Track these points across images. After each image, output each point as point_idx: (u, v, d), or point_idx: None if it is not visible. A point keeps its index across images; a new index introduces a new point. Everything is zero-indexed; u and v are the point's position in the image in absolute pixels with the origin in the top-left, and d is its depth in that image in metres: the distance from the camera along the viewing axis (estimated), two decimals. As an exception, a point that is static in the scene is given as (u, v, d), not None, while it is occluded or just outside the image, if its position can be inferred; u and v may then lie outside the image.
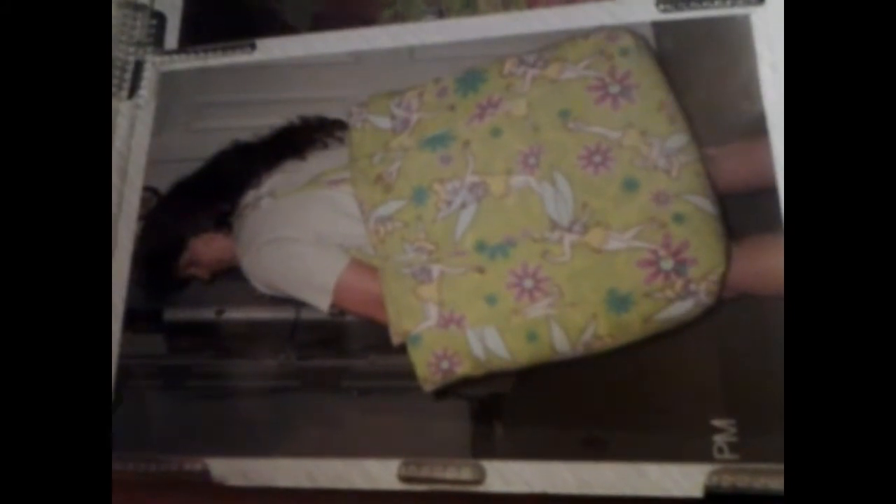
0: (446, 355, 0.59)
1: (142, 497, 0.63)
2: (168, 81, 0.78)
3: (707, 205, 0.59)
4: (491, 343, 0.59)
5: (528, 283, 0.59)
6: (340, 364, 0.67)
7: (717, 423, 0.56)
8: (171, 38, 0.79)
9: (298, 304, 0.67)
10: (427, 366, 0.60)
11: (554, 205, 0.60)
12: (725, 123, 0.65)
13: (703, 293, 0.57)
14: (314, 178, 0.69)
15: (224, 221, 0.71)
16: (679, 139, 0.61)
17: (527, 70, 0.65)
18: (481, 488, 0.58)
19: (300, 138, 0.72)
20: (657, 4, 0.67)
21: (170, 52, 0.79)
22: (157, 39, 0.79)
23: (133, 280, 0.69)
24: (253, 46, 0.76)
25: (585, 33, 0.66)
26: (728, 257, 0.58)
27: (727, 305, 0.59)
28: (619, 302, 0.57)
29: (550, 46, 0.66)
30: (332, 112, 0.72)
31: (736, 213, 0.60)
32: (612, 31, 0.65)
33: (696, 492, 0.54)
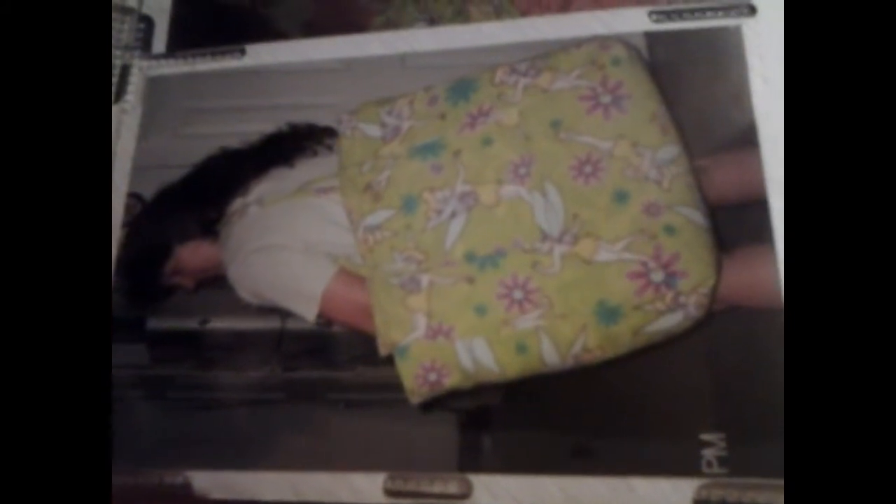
0: (434, 367, 0.59)
1: (122, 510, 0.62)
2: (155, 86, 0.77)
3: (698, 217, 0.58)
4: (480, 355, 0.58)
5: (518, 294, 0.58)
6: (327, 375, 0.66)
7: (706, 436, 0.56)
8: (159, 43, 0.78)
9: (285, 313, 0.66)
10: (414, 378, 0.59)
11: (544, 215, 0.60)
12: (717, 134, 0.64)
13: (694, 306, 0.57)
14: (303, 186, 0.68)
15: (210, 229, 0.69)
16: (670, 150, 0.60)
17: (518, 79, 0.65)
18: (468, 503, 0.57)
19: (289, 145, 0.72)
20: (650, 15, 0.67)
21: (157, 57, 0.78)
22: (144, 44, 0.78)
23: (116, 288, 0.68)
24: (242, 52, 0.76)
25: (578, 43, 0.66)
26: (719, 270, 0.57)
27: (717, 318, 0.59)
28: (608, 314, 0.57)
29: (542, 55, 0.66)
30: (322, 119, 0.72)
31: (727, 225, 0.60)
32: (604, 41, 0.65)
33: (685, 506, 0.54)
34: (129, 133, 0.75)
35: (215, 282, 0.69)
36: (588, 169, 0.60)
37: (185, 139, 0.76)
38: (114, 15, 0.77)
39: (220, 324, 0.70)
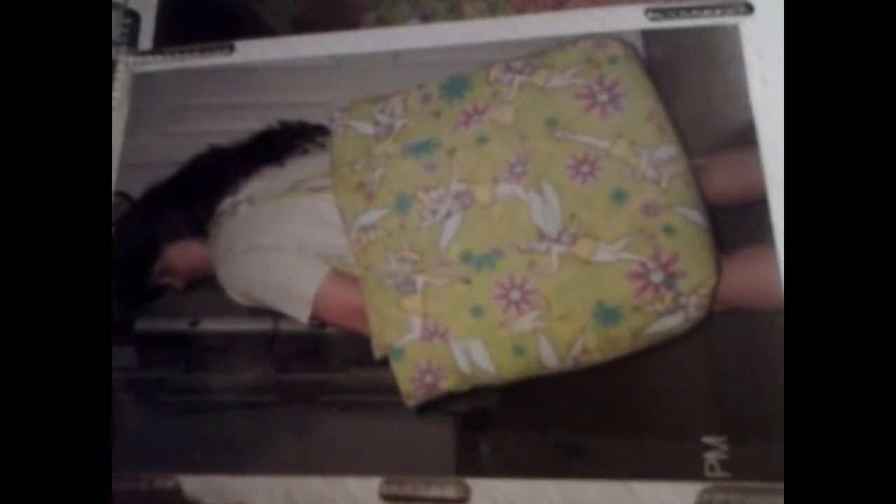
0: (430, 369, 0.58)
1: (111, 516, 0.61)
2: (142, 83, 0.76)
3: (697, 217, 0.58)
4: (476, 357, 0.57)
5: (515, 295, 0.58)
6: (320, 378, 0.65)
7: (708, 440, 0.55)
8: (146, 39, 0.77)
9: (277, 315, 0.65)
10: (410, 380, 0.58)
11: (541, 215, 0.59)
12: (715, 133, 0.64)
13: (694, 307, 0.56)
14: (294, 185, 0.67)
15: (200, 228, 0.68)
16: (668, 149, 0.60)
17: (514, 77, 0.64)
18: (466, 507, 0.56)
19: (280, 143, 0.70)
20: (646, 13, 0.67)
21: (144, 53, 0.76)
22: (130, 39, 0.77)
23: (104, 289, 0.66)
24: (231, 48, 0.74)
25: (573, 40, 0.65)
26: (719, 270, 0.57)
27: (718, 320, 0.58)
28: (607, 315, 0.56)
29: (538, 53, 0.65)
30: (314, 117, 0.71)
31: (726, 225, 0.60)
32: (600, 39, 0.64)
33: (687, 510, 0.53)
34: (116, 131, 0.73)
35: (205, 282, 0.67)
36: (585, 168, 0.60)
37: (173, 137, 0.74)
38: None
39: (210, 325, 0.68)
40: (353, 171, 0.65)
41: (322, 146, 0.69)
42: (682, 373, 0.59)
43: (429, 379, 0.58)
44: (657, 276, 0.56)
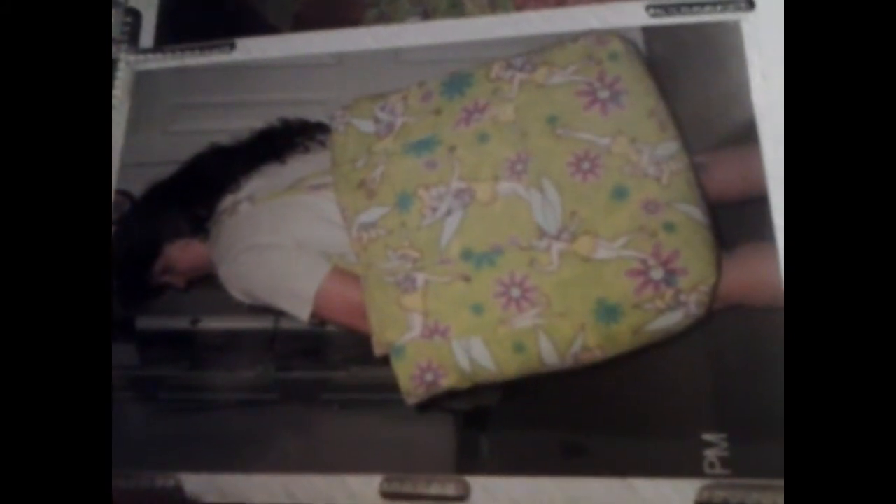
0: (431, 367, 0.58)
1: (112, 514, 0.61)
2: (143, 81, 0.76)
3: (698, 214, 0.58)
4: (477, 354, 0.57)
5: (516, 293, 0.57)
6: (321, 376, 0.65)
7: (707, 437, 0.55)
8: (147, 37, 0.77)
9: (277, 313, 0.65)
10: (411, 378, 0.58)
11: (542, 212, 0.59)
12: (716, 131, 0.64)
13: (694, 304, 0.56)
14: (295, 183, 0.67)
15: (201, 227, 0.68)
16: (669, 146, 0.60)
17: (514, 74, 0.64)
18: (466, 505, 0.56)
19: (280, 141, 0.70)
20: (647, 9, 0.66)
21: (145, 51, 0.76)
22: (131, 37, 0.77)
23: (105, 287, 0.66)
24: (232, 46, 0.74)
25: (574, 37, 0.65)
26: (719, 267, 0.57)
27: (718, 317, 0.58)
28: (608, 312, 0.56)
29: (538, 50, 0.65)
30: (314, 115, 0.71)
31: (727, 222, 0.59)
32: (601, 36, 0.64)
33: (687, 507, 0.53)
34: (117, 129, 0.73)
35: (206, 281, 0.67)
36: (586, 165, 0.59)
37: (174, 135, 0.74)
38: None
39: (211, 323, 0.68)
40: (354, 168, 0.64)
41: (323, 144, 0.69)
42: (682, 370, 0.59)
43: (429, 377, 0.58)
44: (657, 274, 0.56)
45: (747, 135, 0.62)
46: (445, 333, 0.58)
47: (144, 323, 0.69)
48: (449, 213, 0.61)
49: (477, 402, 0.61)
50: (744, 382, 0.57)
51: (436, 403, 0.60)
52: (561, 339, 0.57)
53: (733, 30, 0.65)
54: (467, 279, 0.58)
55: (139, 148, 0.73)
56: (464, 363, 0.57)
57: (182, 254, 0.69)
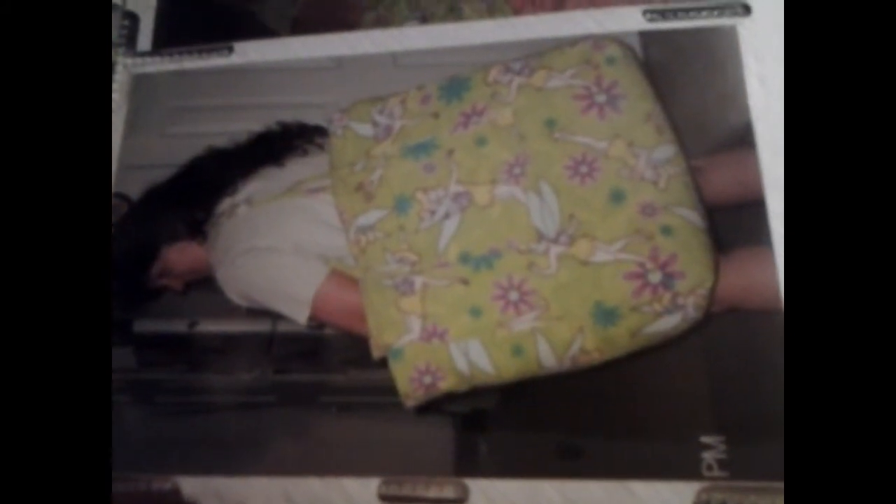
0: (429, 370, 0.58)
1: (109, 518, 0.61)
2: (141, 84, 0.76)
3: (695, 217, 0.58)
4: (475, 357, 0.57)
5: (514, 296, 0.58)
6: (318, 379, 0.65)
7: (705, 439, 0.55)
8: (145, 40, 0.77)
9: (275, 316, 0.64)
10: (409, 381, 0.58)
11: (540, 215, 0.59)
12: (712, 135, 0.64)
13: (692, 307, 0.56)
14: (293, 186, 0.67)
15: (198, 230, 0.68)
16: (666, 150, 0.60)
17: (512, 78, 0.64)
18: (464, 507, 0.56)
19: (278, 144, 0.70)
20: (644, 14, 0.67)
21: (143, 54, 0.76)
22: (129, 40, 0.76)
23: (102, 290, 0.66)
24: (230, 49, 0.74)
25: (572, 41, 0.65)
26: (716, 271, 0.57)
27: (715, 320, 0.58)
28: (605, 315, 0.56)
29: (536, 54, 0.65)
30: (312, 118, 0.71)
31: (724, 226, 0.60)
32: (598, 40, 0.65)
33: (685, 510, 0.53)
34: (115, 132, 0.73)
35: (204, 283, 0.67)
36: (584, 169, 0.60)
37: (171, 138, 0.74)
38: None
39: (209, 326, 0.68)
40: (351, 172, 0.65)
41: (321, 147, 0.69)
42: (680, 373, 0.59)
43: (427, 379, 0.58)
44: (655, 277, 0.56)
45: (744, 139, 0.62)
46: (444, 336, 0.58)
47: (142, 326, 0.69)
48: (447, 216, 0.61)
49: (475, 405, 0.61)
50: (741, 385, 0.57)
51: (434, 406, 0.60)
52: (559, 342, 0.57)
53: (730, 35, 0.65)
54: (465, 282, 0.59)
55: (137, 151, 0.73)
56: (462, 366, 0.58)
57: (180, 257, 0.69)
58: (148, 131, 0.74)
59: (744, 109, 0.63)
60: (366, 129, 0.66)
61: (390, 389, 0.58)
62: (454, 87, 0.65)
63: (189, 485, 0.60)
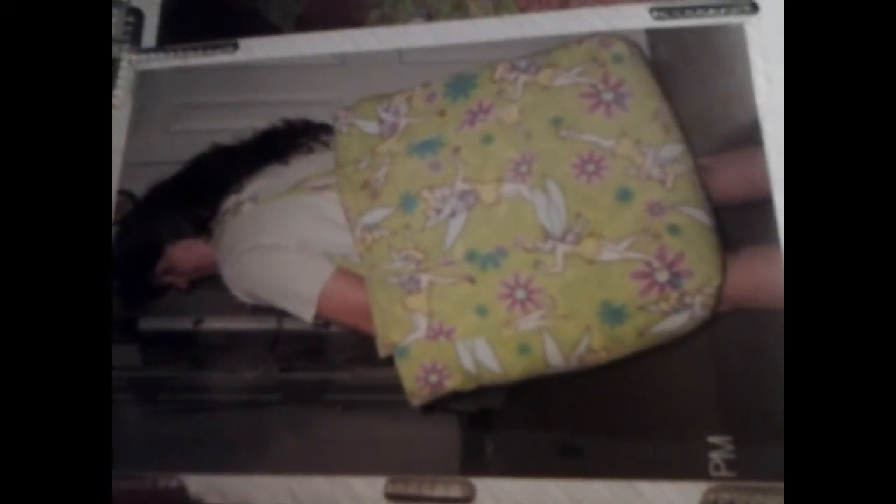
0: (435, 368, 0.58)
1: (114, 516, 0.61)
2: (145, 81, 0.75)
3: (702, 216, 0.58)
4: (482, 356, 0.57)
5: (521, 294, 0.57)
6: (324, 377, 0.65)
7: (713, 439, 0.55)
8: (150, 36, 0.77)
9: (281, 314, 0.64)
10: (415, 379, 0.58)
11: (546, 214, 0.59)
12: (720, 133, 0.64)
13: (699, 306, 0.56)
14: (298, 184, 0.67)
15: (203, 227, 0.68)
16: (673, 149, 0.60)
17: (519, 76, 0.64)
18: (471, 506, 0.56)
19: (284, 142, 0.70)
20: (651, 12, 0.66)
21: (147, 51, 0.76)
22: (133, 37, 0.76)
23: (107, 288, 0.66)
24: (235, 46, 0.74)
25: (578, 39, 0.65)
26: (724, 270, 0.57)
27: (723, 319, 0.58)
28: (613, 314, 0.56)
29: (543, 52, 0.65)
30: (317, 115, 0.71)
31: (731, 225, 0.59)
32: (605, 38, 0.64)
33: (692, 510, 0.53)
34: (119, 129, 0.73)
35: (209, 281, 0.67)
36: (590, 167, 0.60)
37: (176, 135, 0.74)
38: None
39: (214, 324, 0.68)
40: (357, 169, 0.64)
41: (326, 145, 0.69)
42: (687, 372, 0.59)
43: (434, 378, 0.58)
44: (662, 276, 0.56)
45: (751, 137, 0.62)
46: (450, 335, 0.58)
47: (147, 324, 0.69)
48: (453, 214, 0.60)
49: (482, 404, 0.60)
50: (749, 385, 0.57)
51: (440, 405, 0.60)
52: (566, 340, 0.57)
53: (737, 33, 0.65)
54: (472, 280, 0.58)
55: (141, 148, 0.73)
56: (468, 364, 0.57)
57: (185, 254, 0.69)
58: (152, 128, 0.74)
59: (751, 108, 0.63)
60: (371, 127, 0.66)
61: (396, 388, 0.58)
62: (460, 85, 0.65)
63: (194, 483, 0.60)
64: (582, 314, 0.56)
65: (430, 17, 0.76)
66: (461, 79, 0.65)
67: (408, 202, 0.62)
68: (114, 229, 0.69)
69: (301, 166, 0.69)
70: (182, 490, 0.59)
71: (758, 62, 0.63)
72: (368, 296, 0.60)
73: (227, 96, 0.74)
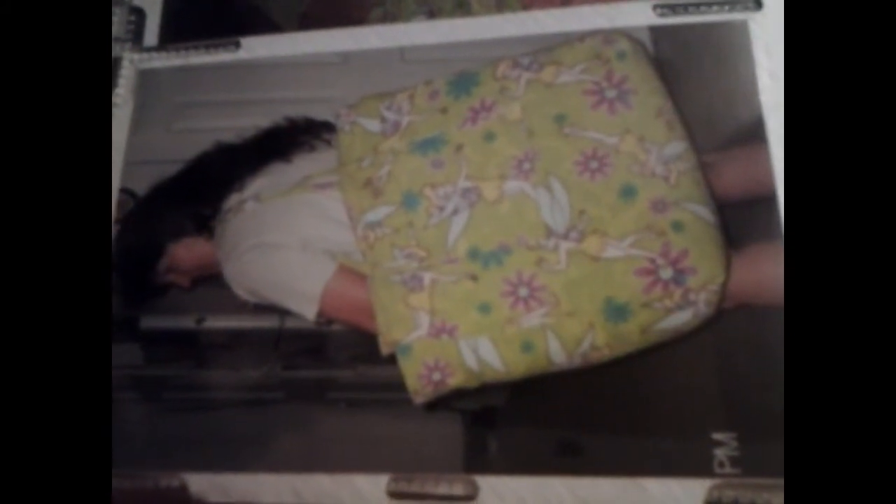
0: (438, 366, 0.57)
1: (116, 515, 0.61)
2: (147, 79, 0.75)
3: (706, 213, 0.58)
4: (484, 353, 0.57)
5: (523, 292, 0.57)
6: (327, 375, 0.65)
7: (717, 436, 0.55)
8: (151, 35, 0.77)
9: (283, 312, 0.64)
10: (418, 377, 0.58)
11: (550, 211, 0.59)
12: (724, 130, 0.64)
13: (703, 303, 0.56)
14: (300, 182, 0.66)
15: (205, 226, 0.68)
16: (677, 146, 0.60)
17: (521, 73, 0.64)
18: (474, 504, 0.56)
19: (286, 140, 0.70)
20: (654, 9, 0.66)
21: (149, 50, 0.76)
22: (135, 36, 0.76)
23: (109, 286, 0.66)
24: (237, 45, 0.74)
25: (581, 36, 0.65)
26: (728, 267, 0.57)
27: (727, 316, 0.58)
28: (616, 311, 0.56)
29: (545, 49, 0.65)
30: (320, 113, 0.70)
31: (735, 222, 0.59)
32: (608, 35, 0.64)
33: (697, 507, 0.53)
34: (121, 127, 0.73)
35: (211, 280, 0.67)
36: (594, 164, 0.59)
37: (178, 134, 0.74)
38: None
39: (216, 322, 0.68)
40: (359, 167, 0.64)
41: (329, 143, 0.69)
42: (691, 369, 0.59)
43: (436, 376, 0.58)
44: (666, 273, 0.56)
45: (755, 134, 0.62)
46: (453, 332, 0.57)
47: (149, 322, 0.69)
48: (456, 212, 0.60)
49: (485, 402, 0.60)
50: (753, 381, 0.57)
51: (443, 402, 0.59)
52: (569, 338, 0.56)
53: (741, 29, 0.65)
54: (474, 278, 0.58)
55: (143, 146, 0.73)
56: (471, 362, 0.57)
57: (186, 253, 0.68)
58: (154, 127, 0.74)
59: (754, 105, 0.62)
60: (374, 125, 0.66)
61: (399, 386, 0.58)
62: (462, 83, 0.65)
63: (196, 482, 0.59)
64: (585, 311, 0.56)
65: (432, 14, 0.76)
66: (463, 76, 0.65)
67: (410, 200, 0.62)
68: (115, 228, 0.69)
69: (303, 164, 0.68)
70: (184, 489, 0.59)
71: (761, 59, 0.63)
72: (371, 294, 0.60)
73: (229, 95, 0.74)
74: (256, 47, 0.74)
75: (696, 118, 0.62)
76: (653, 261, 0.56)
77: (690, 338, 0.57)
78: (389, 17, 0.77)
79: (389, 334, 0.59)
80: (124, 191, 0.71)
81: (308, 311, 0.62)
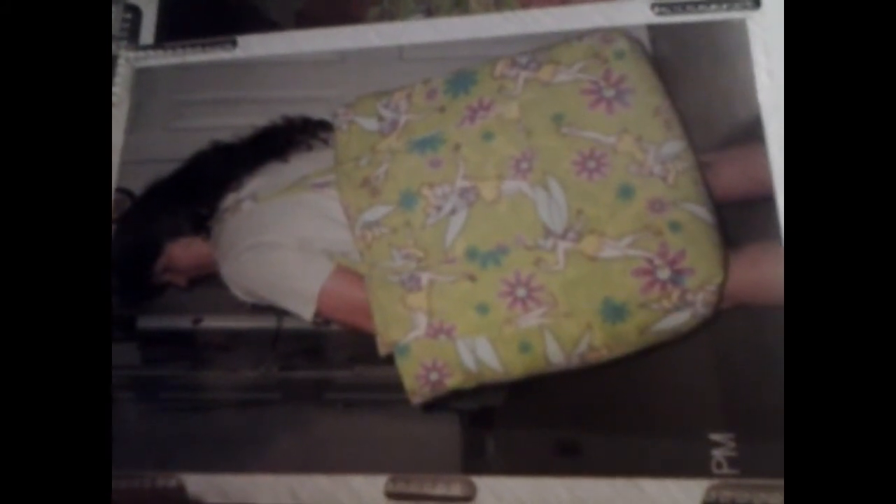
0: (435, 366, 0.57)
1: (113, 515, 0.61)
2: (143, 78, 0.75)
3: (704, 213, 0.58)
4: (482, 354, 0.57)
5: (521, 292, 0.57)
6: (324, 375, 0.65)
7: (715, 437, 0.55)
8: (148, 33, 0.76)
9: (280, 312, 0.64)
10: (415, 377, 0.58)
11: (548, 211, 0.59)
12: (722, 130, 0.64)
13: (701, 304, 0.56)
14: (298, 181, 0.66)
15: (202, 225, 0.68)
16: (675, 145, 0.59)
17: (519, 72, 0.63)
18: (472, 505, 0.56)
19: (283, 139, 0.70)
20: (653, 7, 0.66)
21: (145, 48, 0.76)
22: (131, 34, 0.76)
23: (105, 286, 0.66)
24: (234, 43, 0.74)
25: (579, 35, 0.65)
26: (726, 267, 0.57)
27: (725, 316, 0.58)
28: (614, 312, 0.56)
29: (544, 48, 0.65)
30: (317, 112, 0.70)
31: (733, 222, 0.59)
32: (606, 34, 0.64)
33: (695, 507, 0.53)
34: (117, 127, 0.73)
35: (209, 280, 0.67)
36: (591, 164, 0.59)
37: (175, 133, 0.74)
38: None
39: (213, 322, 0.68)
40: (357, 166, 0.64)
41: (326, 142, 0.69)
42: (689, 370, 0.59)
43: (434, 376, 0.57)
44: (664, 273, 0.56)
45: (753, 134, 0.62)
46: (450, 333, 0.57)
47: (146, 322, 0.69)
48: (453, 211, 0.60)
49: (482, 402, 0.60)
50: (751, 382, 0.57)
51: (441, 403, 0.59)
52: (567, 338, 0.56)
53: (739, 28, 0.65)
54: (472, 278, 0.58)
55: (140, 145, 0.73)
56: (469, 363, 0.57)
57: (184, 252, 0.68)
58: (151, 126, 0.74)
59: (753, 104, 0.62)
60: (371, 124, 0.65)
61: (396, 386, 0.58)
62: (460, 81, 0.64)
63: (193, 482, 0.59)
64: (583, 312, 0.56)
65: (430, 13, 0.76)
66: (461, 75, 0.65)
67: (408, 199, 0.61)
68: (112, 227, 0.69)
69: (301, 164, 0.68)
70: (181, 489, 0.59)
71: (760, 58, 0.63)
72: (368, 294, 0.60)
73: (226, 93, 0.74)
74: (253, 46, 0.74)
75: (694, 117, 0.62)
76: (650, 261, 0.56)
77: (688, 338, 0.57)
78: (387, 16, 0.77)
79: (387, 334, 0.59)
80: (121, 190, 0.71)
81: (305, 311, 0.62)
